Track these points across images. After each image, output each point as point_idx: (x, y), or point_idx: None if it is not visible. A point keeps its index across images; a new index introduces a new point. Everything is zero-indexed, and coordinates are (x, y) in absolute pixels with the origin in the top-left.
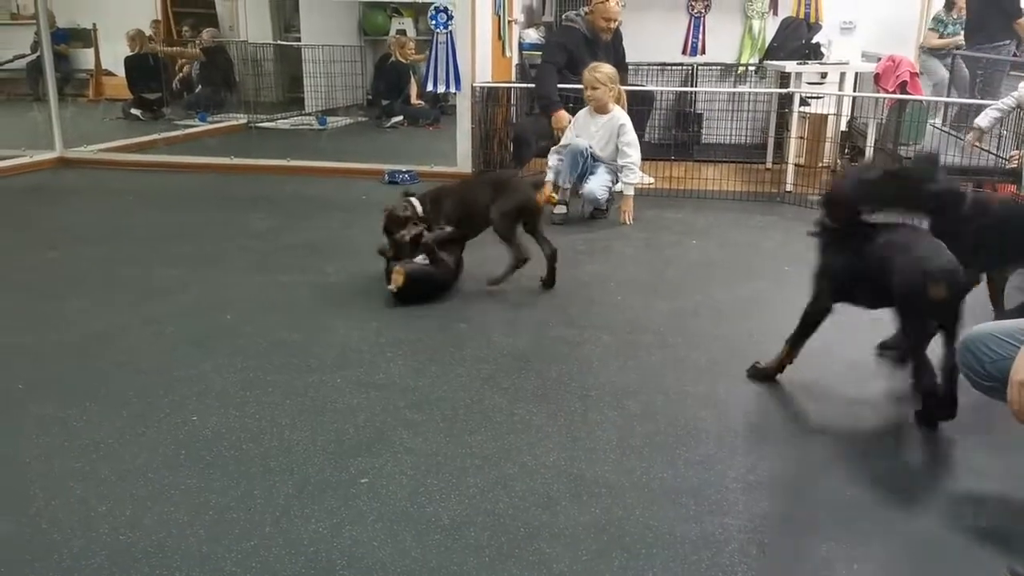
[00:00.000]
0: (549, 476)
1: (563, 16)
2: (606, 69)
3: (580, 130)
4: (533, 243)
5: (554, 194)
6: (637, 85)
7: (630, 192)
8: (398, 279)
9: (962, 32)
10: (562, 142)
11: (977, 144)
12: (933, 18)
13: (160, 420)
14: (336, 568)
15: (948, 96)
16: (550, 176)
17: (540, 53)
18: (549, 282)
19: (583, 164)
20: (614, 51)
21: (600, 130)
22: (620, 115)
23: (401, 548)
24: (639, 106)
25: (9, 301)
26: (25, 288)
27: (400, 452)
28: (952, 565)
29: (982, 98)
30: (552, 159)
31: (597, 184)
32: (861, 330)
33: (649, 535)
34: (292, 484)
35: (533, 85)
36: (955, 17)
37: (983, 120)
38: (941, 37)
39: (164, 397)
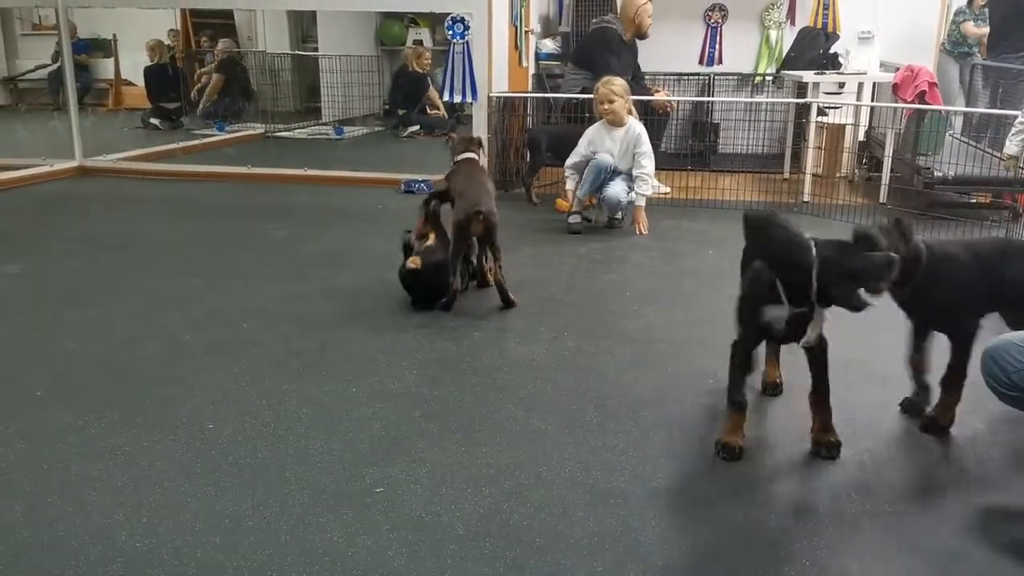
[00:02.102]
0: (564, 487)
1: (598, 19)
2: (620, 82)
3: (595, 144)
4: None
5: (568, 202)
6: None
7: (642, 203)
8: (415, 262)
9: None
10: (575, 155)
11: (1011, 167)
12: (957, 11)
13: (177, 428)
14: None
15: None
16: (569, 185)
17: (557, 63)
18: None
19: (603, 179)
20: (632, 56)
21: (617, 143)
22: (636, 125)
23: (416, 558)
24: (655, 115)
25: (29, 309)
26: (44, 296)
27: (415, 462)
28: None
29: (1003, 108)
30: (569, 173)
31: (618, 188)
32: (864, 333)
33: (665, 547)
34: (308, 493)
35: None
36: (976, 13)
37: (1012, 148)
38: (977, 27)
39: (181, 405)
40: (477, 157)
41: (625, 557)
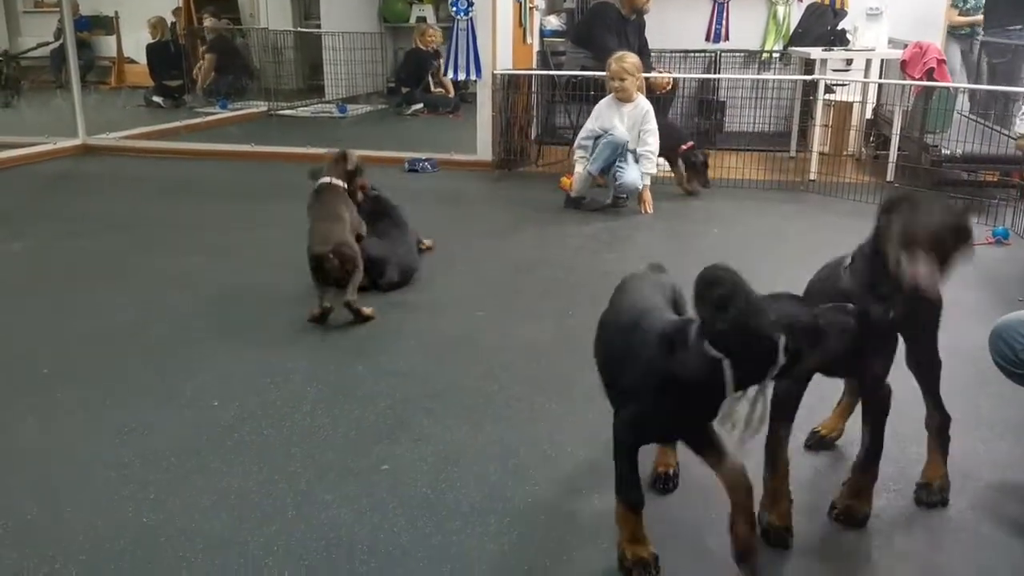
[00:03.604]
0: (569, 465)
1: None
2: (632, 59)
3: (604, 120)
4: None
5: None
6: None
7: (647, 182)
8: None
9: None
10: (584, 132)
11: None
12: None
13: (183, 406)
14: (357, 553)
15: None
16: (578, 168)
17: (562, 40)
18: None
19: (616, 156)
20: (637, 33)
21: (626, 119)
22: (644, 103)
23: (422, 534)
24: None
25: (34, 288)
26: (49, 274)
27: (420, 440)
28: (981, 551)
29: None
30: (579, 152)
31: (635, 174)
32: None
33: (670, 526)
34: (314, 470)
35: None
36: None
37: (1022, 127)
38: (961, 14)
39: (187, 383)
40: (336, 182)
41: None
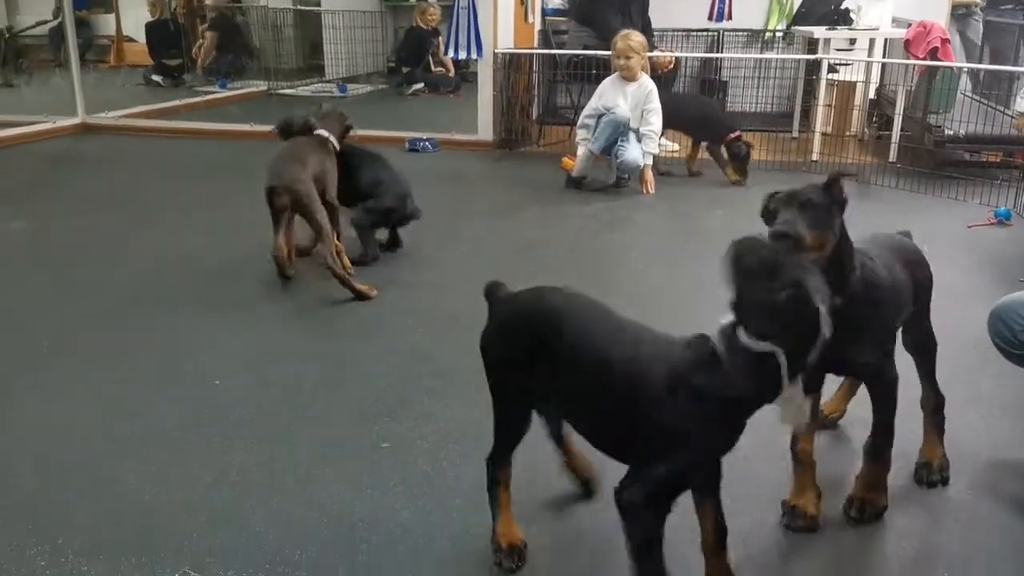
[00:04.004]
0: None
1: None
2: (638, 37)
3: (608, 98)
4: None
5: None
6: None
7: (649, 161)
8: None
9: None
10: (587, 111)
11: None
12: None
13: (184, 383)
14: (358, 529)
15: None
16: (580, 151)
17: (564, 18)
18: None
19: (619, 135)
20: (641, 11)
21: (629, 98)
22: (648, 82)
23: (422, 511)
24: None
25: (35, 266)
26: (49, 252)
27: (421, 418)
28: (981, 530)
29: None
30: (582, 131)
31: (636, 153)
32: None
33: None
34: (315, 447)
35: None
36: None
37: (1023, 105)
38: None
39: (188, 360)
40: (324, 134)
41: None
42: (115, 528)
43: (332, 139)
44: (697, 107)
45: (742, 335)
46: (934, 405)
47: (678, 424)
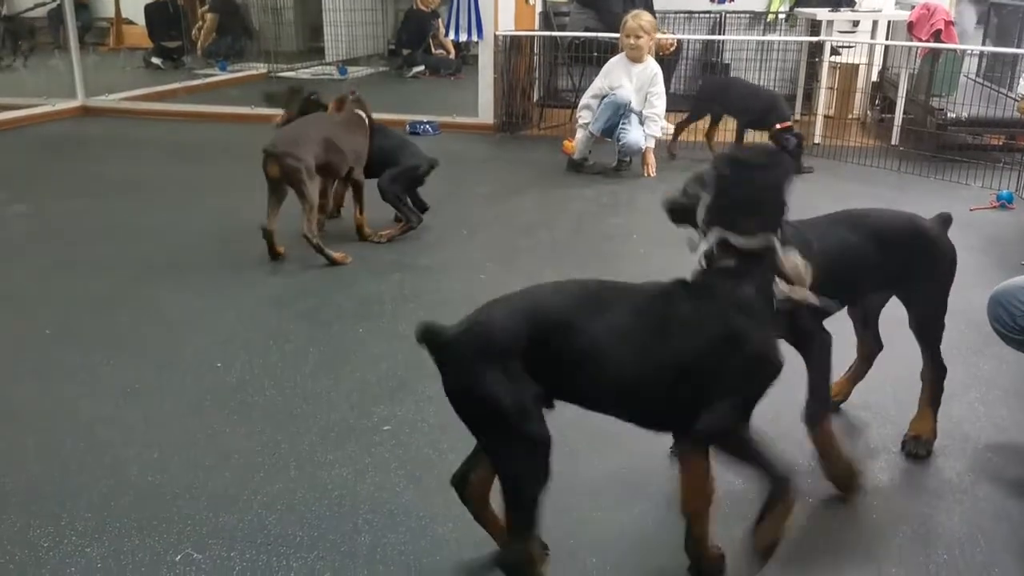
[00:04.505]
0: (570, 428)
1: None
2: (648, 18)
3: (613, 78)
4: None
5: (576, 139)
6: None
7: (651, 144)
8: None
9: None
10: (592, 91)
11: None
12: None
13: (185, 367)
14: (360, 512)
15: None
16: (580, 135)
17: (565, 0)
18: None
19: (619, 117)
20: None
21: (633, 79)
22: (654, 65)
23: (423, 494)
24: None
25: (36, 249)
26: (51, 236)
27: (422, 401)
28: (980, 513)
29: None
30: (583, 112)
31: (637, 134)
32: None
33: (671, 486)
34: (316, 431)
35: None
36: None
37: None
38: None
39: (188, 345)
40: (359, 113)
41: (630, 495)
42: (118, 512)
43: (367, 119)
44: (749, 93)
45: (736, 239)
46: (933, 376)
47: (745, 345)
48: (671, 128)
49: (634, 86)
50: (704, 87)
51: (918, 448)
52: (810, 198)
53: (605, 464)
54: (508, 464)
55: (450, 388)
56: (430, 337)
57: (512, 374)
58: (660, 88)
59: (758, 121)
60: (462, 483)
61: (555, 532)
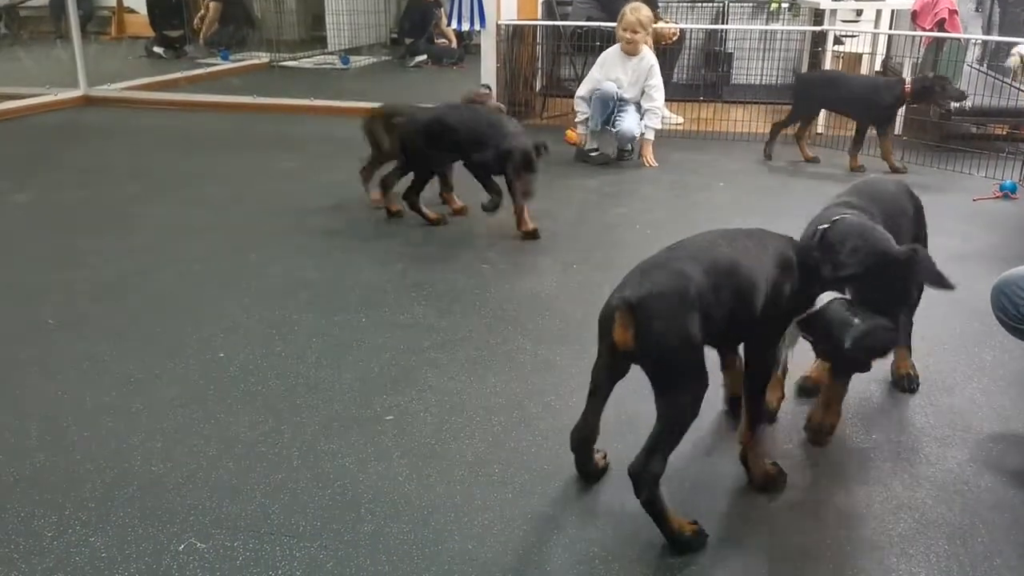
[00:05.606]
0: (572, 416)
1: None
2: (647, 12)
3: (609, 70)
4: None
5: (579, 134)
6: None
7: (651, 136)
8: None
9: None
10: (587, 83)
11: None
12: None
13: (189, 357)
14: (362, 502)
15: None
16: (580, 125)
17: None
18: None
19: (612, 108)
20: None
21: (629, 72)
22: (650, 57)
23: (426, 483)
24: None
25: (39, 239)
26: (54, 225)
27: (425, 390)
28: (982, 503)
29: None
30: (580, 105)
31: (631, 122)
32: None
33: (674, 474)
34: (319, 420)
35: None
36: None
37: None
38: None
39: (192, 334)
40: (499, 105)
41: (629, 485)
42: (122, 500)
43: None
44: (868, 89)
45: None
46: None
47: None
48: (675, 118)
49: (630, 79)
50: (802, 83)
51: (911, 384)
52: (816, 187)
53: (606, 452)
54: (683, 398)
55: (656, 338)
56: (624, 304)
57: (699, 320)
58: (657, 80)
59: (883, 118)
60: (585, 447)
61: (556, 519)
